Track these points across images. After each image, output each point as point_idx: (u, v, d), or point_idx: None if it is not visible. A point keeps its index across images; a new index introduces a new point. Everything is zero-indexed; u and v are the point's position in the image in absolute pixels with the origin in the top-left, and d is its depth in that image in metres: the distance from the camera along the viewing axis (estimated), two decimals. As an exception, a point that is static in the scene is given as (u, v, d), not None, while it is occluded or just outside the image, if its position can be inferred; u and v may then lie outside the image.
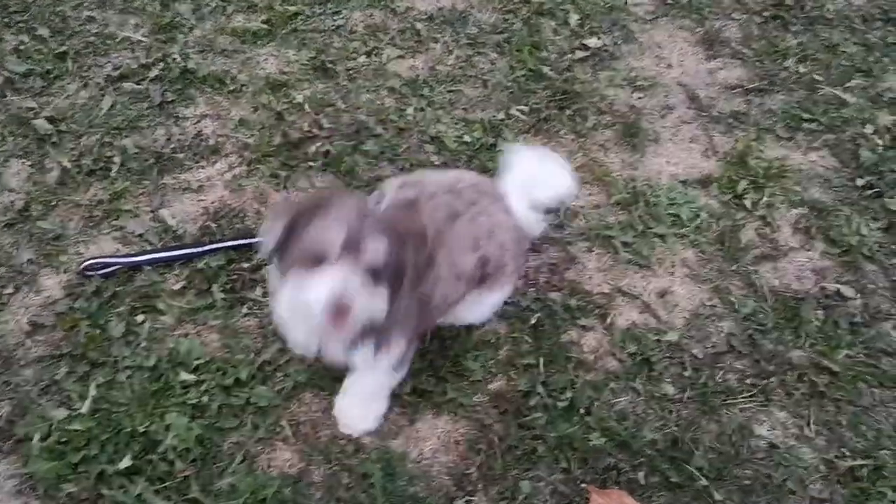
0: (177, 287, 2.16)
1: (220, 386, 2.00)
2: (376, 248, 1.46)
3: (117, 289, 2.15)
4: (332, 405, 1.97)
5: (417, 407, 2.01)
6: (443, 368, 2.06)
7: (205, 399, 1.97)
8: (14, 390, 1.98)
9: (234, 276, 2.18)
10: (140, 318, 2.11)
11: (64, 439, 1.88)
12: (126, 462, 1.85)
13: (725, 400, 2.06)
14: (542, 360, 2.10)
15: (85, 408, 1.94)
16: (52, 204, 2.35)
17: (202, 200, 2.39)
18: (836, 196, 2.55)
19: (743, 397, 2.08)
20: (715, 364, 2.14)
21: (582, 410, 2.02)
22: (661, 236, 2.40)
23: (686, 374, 2.11)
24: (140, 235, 2.28)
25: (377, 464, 1.90)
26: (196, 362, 2.03)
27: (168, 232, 2.29)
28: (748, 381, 2.11)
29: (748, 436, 2.00)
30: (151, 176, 2.43)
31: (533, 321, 2.18)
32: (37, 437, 1.89)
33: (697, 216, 2.44)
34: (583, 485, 1.91)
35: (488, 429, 1.98)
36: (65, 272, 2.19)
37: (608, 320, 2.21)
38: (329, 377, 1.99)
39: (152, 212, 2.34)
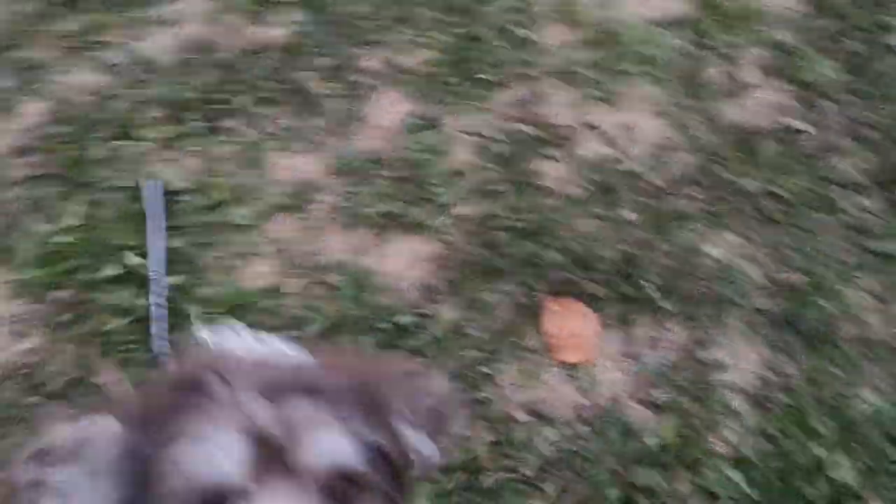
0: (157, 115, 2.23)
1: (202, 207, 2.09)
2: (334, 441, 0.76)
3: (97, 115, 2.22)
4: (309, 225, 2.07)
5: (387, 228, 2.12)
6: (412, 194, 2.15)
7: (184, 220, 2.07)
8: (2, 207, 2.07)
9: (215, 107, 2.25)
10: (120, 142, 2.18)
11: (52, 251, 1.98)
12: (111, 271, 1.96)
13: (679, 223, 2.18)
14: (507, 187, 2.20)
15: (70, 223, 2.03)
16: (31, 34, 2.39)
17: (177, 34, 2.43)
18: (801, 37, 2.60)
19: (696, 222, 2.19)
20: (672, 192, 2.25)
21: (543, 232, 2.13)
22: (628, 74, 2.46)
23: (643, 199, 2.22)
24: (115, 66, 2.33)
25: (347, 277, 2.01)
26: (178, 186, 2.11)
27: (145, 63, 2.35)
28: (702, 206, 2.22)
29: (698, 254, 2.13)
30: (128, 8, 2.45)
31: (499, 151, 2.26)
32: (26, 248, 1.98)
33: (664, 55, 2.50)
34: (540, 295, 2.03)
35: (454, 248, 2.10)
36: (45, 100, 2.25)
37: (572, 151, 2.30)
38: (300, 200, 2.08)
39: (129, 43, 2.38)
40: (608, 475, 1.78)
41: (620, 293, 2.05)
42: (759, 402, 1.91)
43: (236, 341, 1.38)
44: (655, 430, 1.85)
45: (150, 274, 1.93)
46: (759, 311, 2.06)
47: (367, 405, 0.82)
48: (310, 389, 0.79)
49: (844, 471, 1.80)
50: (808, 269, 2.13)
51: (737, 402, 1.91)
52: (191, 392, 0.79)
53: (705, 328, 2.01)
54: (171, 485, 0.74)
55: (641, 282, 2.06)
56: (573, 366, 1.95)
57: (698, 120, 2.38)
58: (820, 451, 1.83)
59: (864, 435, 1.85)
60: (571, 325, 2.00)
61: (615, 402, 1.90)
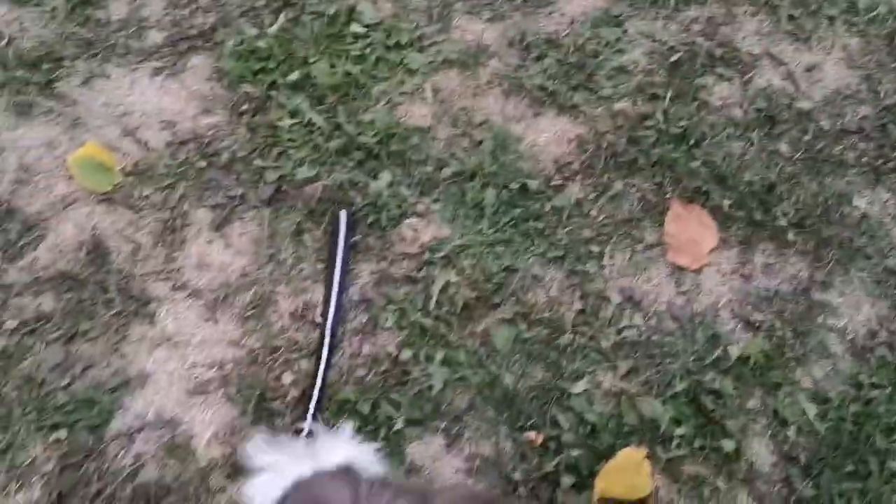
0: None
1: (383, 44, 2.28)
2: None
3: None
4: (473, 84, 2.21)
5: (543, 104, 2.22)
6: (577, 80, 2.24)
7: (367, 51, 2.27)
8: (220, 5, 2.36)
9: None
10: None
11: (250, 49, 2.25)
12: (294, 77, 2.20)
13: (834, 169, 2.13)
14: (669, 93, 2.23)
15: (272, 30, 2.29)
16: None
17: None
18: None
19: (853, 173, 2.14)
20: (838, 139, 2.20)
21: (692, 141, 2.16)
22: (831, 17, 2.40)
23: (805, 138, 2.18)
24: None
25: (494, 136, 2.15)
26: (368, 21, 2.32)
27: None
28: (864, 159, 2.16)
29: (844, 203, 2.08)
30: None
31: (673, 59, 2.30)
32: (230, 42, 2.27)
33: (875, 8, 2.41)
34: (669, 196, 2.08)
35: (600, 135, 2.17)
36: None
37: (747, 76, 2.29)
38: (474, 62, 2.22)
39: None
40: (682, 370, 1.83)
41: (750, 215, 2.05)
42: (859, 351, 1.88)
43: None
44: (743, 345, 1.86)
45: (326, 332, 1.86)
46: (891, 270, 2.00)
47: None
48: None
49: (929, 435, 1.74)
50: (958, 243, 2.02)
51: (836, 346, 1.88)
52: None
53: (829, 271, 1.98)
54: None
55: (776, 210, 2.05)
56: (682, 269, 1.98)
57: (889, 79, 2.28)
58: (906, 411, 1.78)
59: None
60: (692, 231, 2.03)
61: (712, 311, 1.92)
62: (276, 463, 1.26)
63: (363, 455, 1.33)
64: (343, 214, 1.95)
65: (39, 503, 1.68)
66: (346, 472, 1.05)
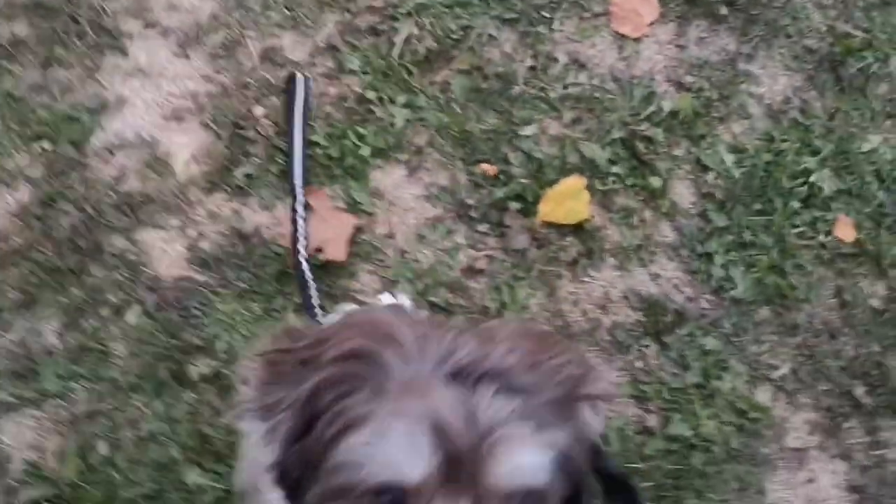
0: None
1: None
2: (527, 460, 0.70)
3: None
4: None
5: None
6: None
7: None
8: None
9: None
10: None
11: None
12: None
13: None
14: None
15: None
16: None
17: None
18: None
19: (784, -39, 2.31)
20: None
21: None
22: None
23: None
24: None
25: None
26: None
27: None
28: (795, -50, 2.33)
29: (773, -14, 2.26)
30: None
31: None
32: None
33: None
34: (617, -33, 2.21)
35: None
36: None
37: None
38: None
39: None
40: (619, 121, 2.03)
41: (689, -6, 2.22)
42: (773, 113, 2.12)
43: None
44: (674, 101, 2.07)
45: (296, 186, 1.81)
46: (808, 48, 2.21)
47: (558, 397, 0.74)
48: (502, 378, 0.70)
49: (826, 181, 2.02)
50: (867, 29, 2.25)
51: (755, 108, 2.11)
52: (367, 367, 0.72)
53: (754, 45, 2.18)
54: (343, 478, 0.69)
55: (710, -11, 2.22)
56: (624, 37, 2.16)
57: None
58: (811, 163, 2.04)
59: (853, 164, 2.04)
60: (635, 3, 2.20)
61: (648, 74, 2.12)
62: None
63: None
64: (300, 79, 1.96)
65: (29, 205, 1.79)
66: (402, 310, 1.02)
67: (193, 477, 1.58)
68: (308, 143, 1.87)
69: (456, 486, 0.67)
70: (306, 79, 1.93)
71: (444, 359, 0.72)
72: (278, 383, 0.77)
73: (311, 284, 1.58)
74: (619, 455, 1.72)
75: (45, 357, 1.66)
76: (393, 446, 0.67)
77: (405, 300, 1.65)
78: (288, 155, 1.83)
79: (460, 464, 0.67)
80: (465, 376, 0.70)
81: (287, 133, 1.86)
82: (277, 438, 0.75)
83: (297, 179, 1.81)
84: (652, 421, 1.76)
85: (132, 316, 1.71)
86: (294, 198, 1.76)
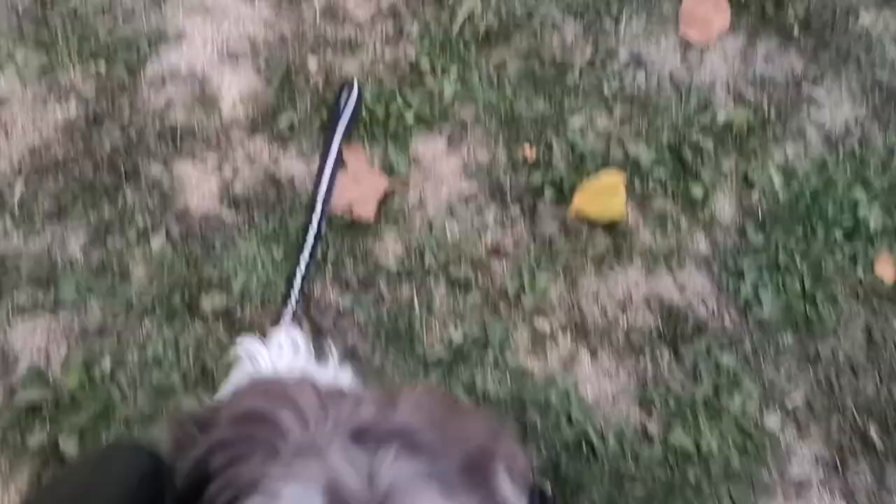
0: None
1: None
2: None
3: None
4: None
5: None
6: None
7: None
8: None
9: None
10: None
11: None
12: None
13: (851, -20, 2.23)
14: None
15: None
16: None
17: None
18: None
19: (867, -10, 2.24)
20: (861, -42, 2.29)
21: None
22: None
23: (831, -50, 2.27)
24: None
25: None
26: None
27: None
28: (881, -20, 2.27)
29: (852, 14, 2.21)
30: None
31: None
32: None
33: None
34: (693, -28, 2.17)
35: None
36: None
37: None
38: None
39: None
40: (671, 125, 2.00)
41: (763, 8, 2.18)
42: (831, 141, 2.06)
43: (290, 360, 1.36)
44: (730, 114, 2.03)
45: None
46: (877, 81, 2.15)
47: (466, 462, 0.68)
48: (405, 439, 0.66)
49: (874, 217, 1.95)
50: (947, 72, 2.17)
51: (813, 134, 2.06)
52: (262, 429, 0.68)
53: (822, 71, 2.13)
54: None
55: (788, 8, 2.18)
56: (690, 44, 2.13)
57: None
58: (861, 196, 1.98)
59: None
60: (707, 11, 2.16)
61: (708, 83, 2.08)
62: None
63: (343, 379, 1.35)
64: (355, 88, 1.93)
65: (76, 121, 1.83)
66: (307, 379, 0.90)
67: (190, 405, 1.59)
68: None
69: None
70: (360, 87, 1.93)
71: (344, 420, 0.67)
72: (181, 452, 0.71)
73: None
74: (613, 457, 1.69)
75: (67, 268, 1.69)
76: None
77: (298, 339, 1.52)
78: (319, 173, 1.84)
79: None
80: (366, 437, 0.66)
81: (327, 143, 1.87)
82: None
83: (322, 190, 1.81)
84: (653, 427, 1.72)
85: (156, 242, 1.74)
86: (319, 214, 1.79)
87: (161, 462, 0.67)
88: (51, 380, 1.61)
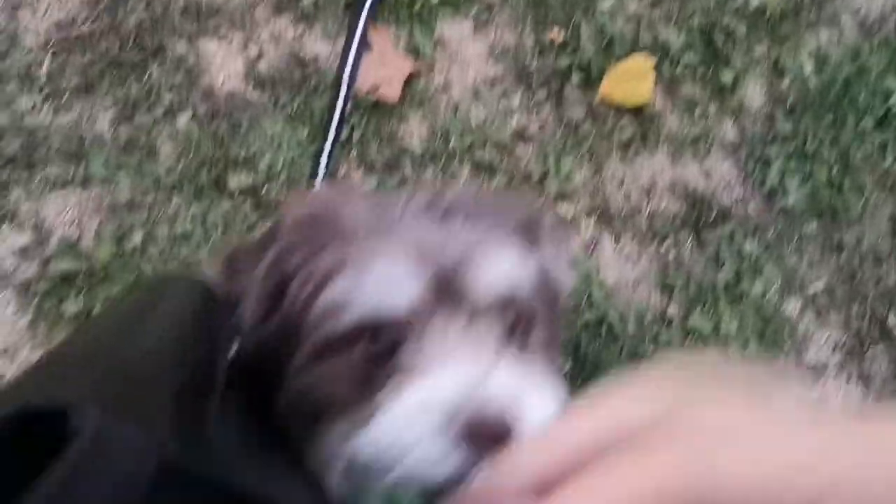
0: None
1: None
2: (508, 267, 0.68)
3: None
4: None
5: None
6: None
7: None
8: None
9: None
10: None
11: None
12: None
13: None
14: None
15: None
16: None
17: None
18: None
19: None
20: None
21: None
22: None
23: None
24: None
25: None
26: None
27: None
28: None
29: None
30: None
31: None
32: None
33: None
34: None
35: None
36: None
37: None
38: None
39: None
40: (703, 8, 1.95)
41: None
42: (866, 28, 2.01)
43: None
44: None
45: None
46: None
47: (519, 227, 0.73)
48: (466, 210, 0.70)
49: (907, 105, 1.90)
50: None
51: (847, 19, 2.00)
52: (329, 226, 0.69)
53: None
54: (326, 330, 0.65)
55: None
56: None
57: None
58: (893, 83, 1.93)
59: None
60: None
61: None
62: None
63: None
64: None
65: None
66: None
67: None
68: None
69: (447, 303, 0.65)
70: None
71: (404, 203, 0.71)
72: (237, 275, 0.71)
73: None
74: (632, 338, 1.72)
75: (96, 144, 1.70)
76: (377, 278, 0.64)
77: None
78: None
79: (447, 282, 0.64)
80: (431, 212, 0.70)
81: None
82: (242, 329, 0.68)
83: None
84: (673, 311, 1.75)
85: (182, 120, 1.74)
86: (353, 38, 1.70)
87: (214, 294, 0.66)
88: (83, 253, 1.63)
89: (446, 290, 0.64)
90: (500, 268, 0.67)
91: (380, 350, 0.65)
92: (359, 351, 0.65)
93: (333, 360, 0.66)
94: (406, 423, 0.61)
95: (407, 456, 0.60)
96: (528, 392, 0.62)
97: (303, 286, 0.67)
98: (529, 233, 0.74)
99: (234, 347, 0.69)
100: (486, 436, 0.59)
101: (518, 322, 0.69)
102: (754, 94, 1.92)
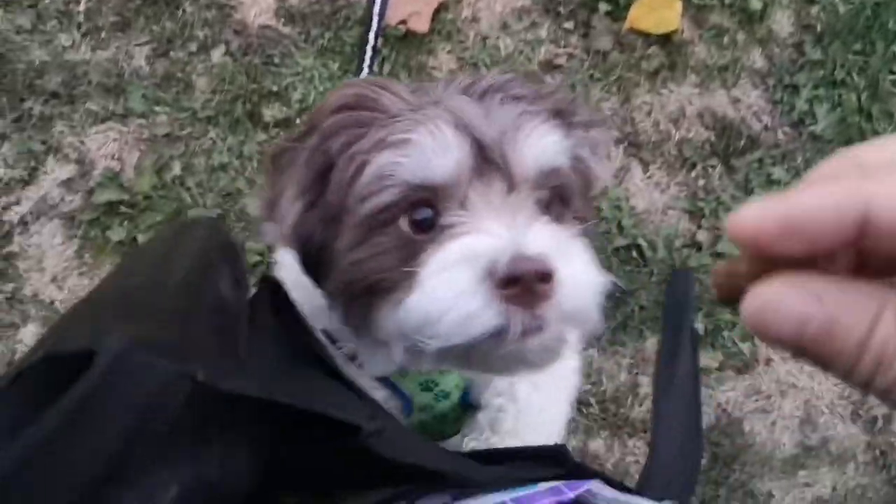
0: None
1: None
2: (546, 141, 0.71)
3: None
4: None
5: None
6: None
7: None
8: None
9: None
10: None
11: None
12: None
13: None
14: None
15: None
16: None
17: None
18: None
19: None
20: None
21: None
22: None
23: None
24: None
25: None
26: None
27: None
28: None
29: None
30: None
31: None
32: None
33: None
34: None
35: None
36: None
37: None
38: None
39: None
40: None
41: None
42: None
43: None
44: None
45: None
46: None
47: (554, 109, 0.75)
48: (505, 91, 0.73)
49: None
50: None
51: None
52: (370, 108, 0.71)
53: None
54: (372, 204, 0.67)
55: None
56: None
57: None
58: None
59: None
60: None
61: None
62: None
63: None
64: None
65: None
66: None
67: (253, 208, 1.67)
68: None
69: (487, 173, 0.67)
70: None
71: (444, 85, 0.74)
72: (283, 171, 0.73)
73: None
74: (661, 263, 1.74)
75: (134, 78, 1.74)
76: (419, 147, 0.66)
77: None
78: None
79: (487, 151, 0.67)
80: (471, 92, 0.72)
81: None
82: (291, 210, 0.71)
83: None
84: (702, 236, 1.77)
85: (216, 55, 1.78)
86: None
87: (232, 239, 0.70)
88: (125, 183, 1.68)
89: (487, 161, 0.67)
90: (540, 143, 0.69)
91: (422, 218, 0.67)
92: (403, 222, 0.68)
93: (379, 234, 0.68)
94: (446, 277, 0.63)
95: (449, 311, 0.62)
96: (562, 251, 0.65)
97: (346, 167, 0.69)
98: (564, 118, 0.75)
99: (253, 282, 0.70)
100: (522, 288, 0.61)
101: (554, 197, 0.72)
102: (783, 21, 1.92)
